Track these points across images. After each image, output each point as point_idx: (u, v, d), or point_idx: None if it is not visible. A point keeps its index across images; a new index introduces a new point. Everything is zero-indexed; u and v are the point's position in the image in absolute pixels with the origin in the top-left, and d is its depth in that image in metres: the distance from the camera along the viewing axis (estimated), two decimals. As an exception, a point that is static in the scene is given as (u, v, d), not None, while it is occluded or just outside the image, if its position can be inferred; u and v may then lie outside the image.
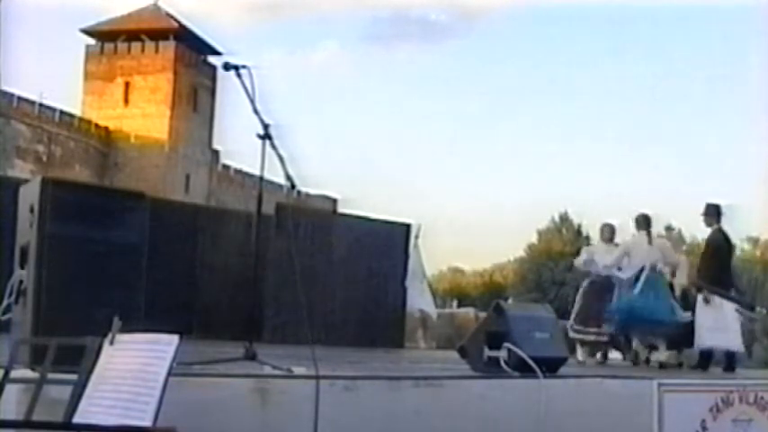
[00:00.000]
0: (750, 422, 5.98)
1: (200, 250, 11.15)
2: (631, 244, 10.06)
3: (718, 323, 9.42)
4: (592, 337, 9.94)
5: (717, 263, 9.75)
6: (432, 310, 15.59)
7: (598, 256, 10.29)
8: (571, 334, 9.83)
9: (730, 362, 9.56)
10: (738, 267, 13.04)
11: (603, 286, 10.01)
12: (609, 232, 10.56)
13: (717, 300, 9.49)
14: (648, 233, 9.94)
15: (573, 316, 10.20)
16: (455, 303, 40.46)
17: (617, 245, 10.39)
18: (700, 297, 9.55)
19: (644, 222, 9.97)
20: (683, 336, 9.72)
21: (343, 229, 11.62)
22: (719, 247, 9.79)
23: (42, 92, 53.70)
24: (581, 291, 10.37)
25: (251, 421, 4.11)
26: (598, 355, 10.19)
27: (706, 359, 9.52)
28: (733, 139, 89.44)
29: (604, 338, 9.99)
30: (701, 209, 9.89)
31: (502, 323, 5.88)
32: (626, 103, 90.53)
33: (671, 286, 10.12)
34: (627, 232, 10.48)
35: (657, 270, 9.86)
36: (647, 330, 9.87)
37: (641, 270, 9.72)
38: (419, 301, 13.80)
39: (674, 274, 10.36)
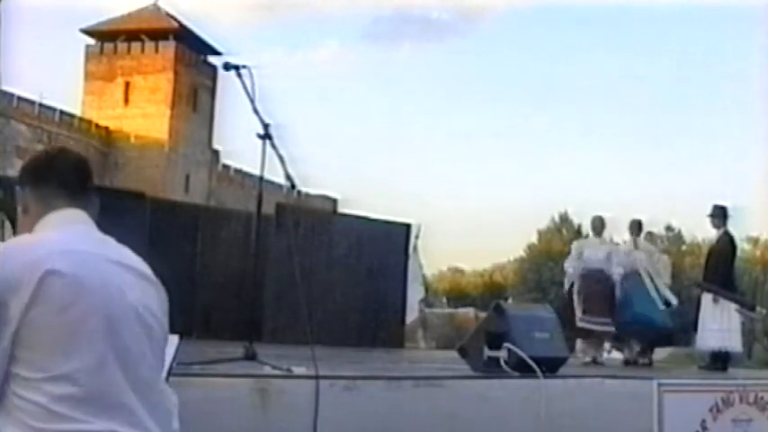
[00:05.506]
0: (750, 422, 5.98)
1: (200, 250, 11.13)
2: (615, 247, 10.35)
3: (722, 324, 9.44)
4: (599, 327, 9.84)
5: (723, 266, 9.81)
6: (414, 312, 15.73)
7: (588, 250, 10.24)
8: (580, 324, 9.76)
9: (724, 362, 9.61)
10: (738, 267, 13.06)
11: (599, 279, 9.97)
12: (599, 225, 10.43)
13: (721, 301, 9.51)
14: (636, 238, 10.39)
15: (580, 309, 9.90)
16: (445, 301, 40.32)
17: (606, 240, 10.46)
18: (706, 298, 9.57)
19: (636, 228, 10.42)
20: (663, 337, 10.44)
21: (343, 229, 11.59)
22: (727, 250, 9.83)
23: (42, 92, 53.90)
24: (577, 286, 10.10)
25: (251, 421, 4.11)
26: (606, 349, 10.25)
27: (723, 360, 9.52)
28: (733, 139, 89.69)
29: (611, 330, 9.94)
30: (702, 209, 9.96)
31: (502, 323, 5.87)
32: (626, 103, 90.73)
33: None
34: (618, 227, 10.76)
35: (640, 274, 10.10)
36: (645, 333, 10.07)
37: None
38: (414, 303, 13.95)
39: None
